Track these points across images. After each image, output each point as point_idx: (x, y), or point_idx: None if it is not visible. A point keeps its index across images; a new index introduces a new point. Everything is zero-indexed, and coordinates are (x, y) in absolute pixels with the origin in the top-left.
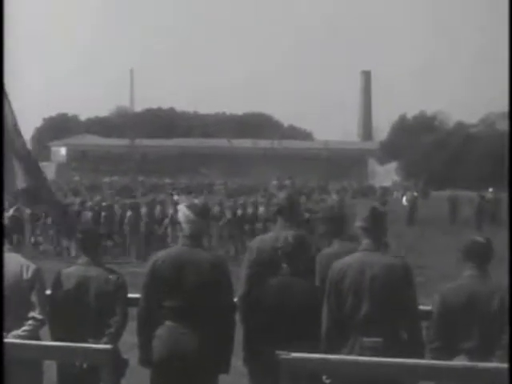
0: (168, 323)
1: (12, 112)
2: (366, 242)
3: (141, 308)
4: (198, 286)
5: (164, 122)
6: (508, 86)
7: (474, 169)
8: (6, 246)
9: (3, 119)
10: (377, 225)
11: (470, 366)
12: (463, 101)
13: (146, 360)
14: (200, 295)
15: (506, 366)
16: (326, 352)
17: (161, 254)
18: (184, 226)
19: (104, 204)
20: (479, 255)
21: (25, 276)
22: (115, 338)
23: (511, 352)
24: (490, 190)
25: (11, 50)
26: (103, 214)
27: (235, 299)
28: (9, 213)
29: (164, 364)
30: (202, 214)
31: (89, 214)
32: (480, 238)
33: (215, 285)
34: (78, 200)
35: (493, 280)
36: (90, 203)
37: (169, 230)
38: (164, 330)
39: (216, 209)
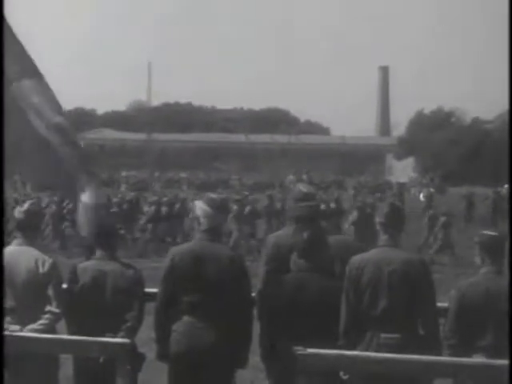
0: (186, 318)
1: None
2: (384, 237)
3: (159, 303)
4: (216, 280)
5: (181, 117)
6: (508, 85)
7: (490, 165)
8: (21, 240)
9: (3, 114)
10: (395, 221)
11: (487, 363)
12: (480, 97)
13: (163, 355)
14: (218, 290)
15: None
16: (343, 348)
17: (179, 249)
18: (202, 220)
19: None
20: (495, 250)
21: (41, 270)
22: (132, 333)
23: (511, 350)
24: (506, 186)
25: (26, 42)
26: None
27: (253, 294)
28: (24, 207)
29: (181, 359)
30: (219, 208)
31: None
32: (495, 233)
33: (233, 279)
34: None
35: (509, 276)
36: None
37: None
38: (182, 325)
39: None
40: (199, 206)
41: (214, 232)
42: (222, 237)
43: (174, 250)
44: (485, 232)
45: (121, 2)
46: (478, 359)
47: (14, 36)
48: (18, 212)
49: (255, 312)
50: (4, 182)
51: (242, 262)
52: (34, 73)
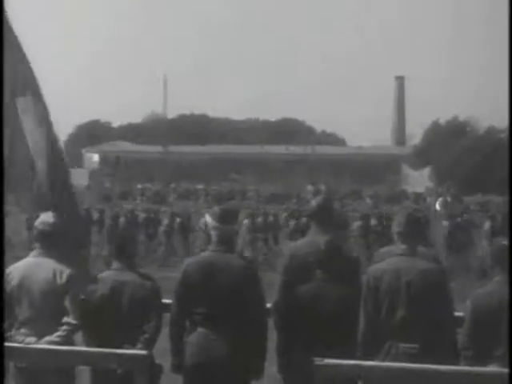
0: (200, 329)
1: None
2: (402, 247)
3: (173, 314)
4: (229, 290)
5: (197, 129)
6: (508, 87)
7: (505, 174)
8: (40, 251)
9: (3, 119)
10: (413, 230)
11: (503, 372)
12: (495, 106)
13: (177, 366)
14: (230, 300)
15: None
16: (362, 358)
17: (192, 260)
18: (211, 233)
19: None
20: (507, 259)
21: (59, 281)
22: (150, 344)
23: (511, 356)
24: None
25: (43, 56)
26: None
27: (269, 305)
28: (48, 219)
29: (196, 370)
30: (223, 219)
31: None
32: (507, 242)
33: (245, 289)
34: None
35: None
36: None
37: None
38: (196, 337)
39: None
40: (207, 220)
41: (225, 243)
42: (234, 247)
43: (187, 261)
44: (498, 241)
45: (136, 13)
46: (494, 368)
47: (19, 49)
48: (41, 223)
49: (272, 322)
50: (4, 184)
51: (254, 272)
52: (34, 91)
